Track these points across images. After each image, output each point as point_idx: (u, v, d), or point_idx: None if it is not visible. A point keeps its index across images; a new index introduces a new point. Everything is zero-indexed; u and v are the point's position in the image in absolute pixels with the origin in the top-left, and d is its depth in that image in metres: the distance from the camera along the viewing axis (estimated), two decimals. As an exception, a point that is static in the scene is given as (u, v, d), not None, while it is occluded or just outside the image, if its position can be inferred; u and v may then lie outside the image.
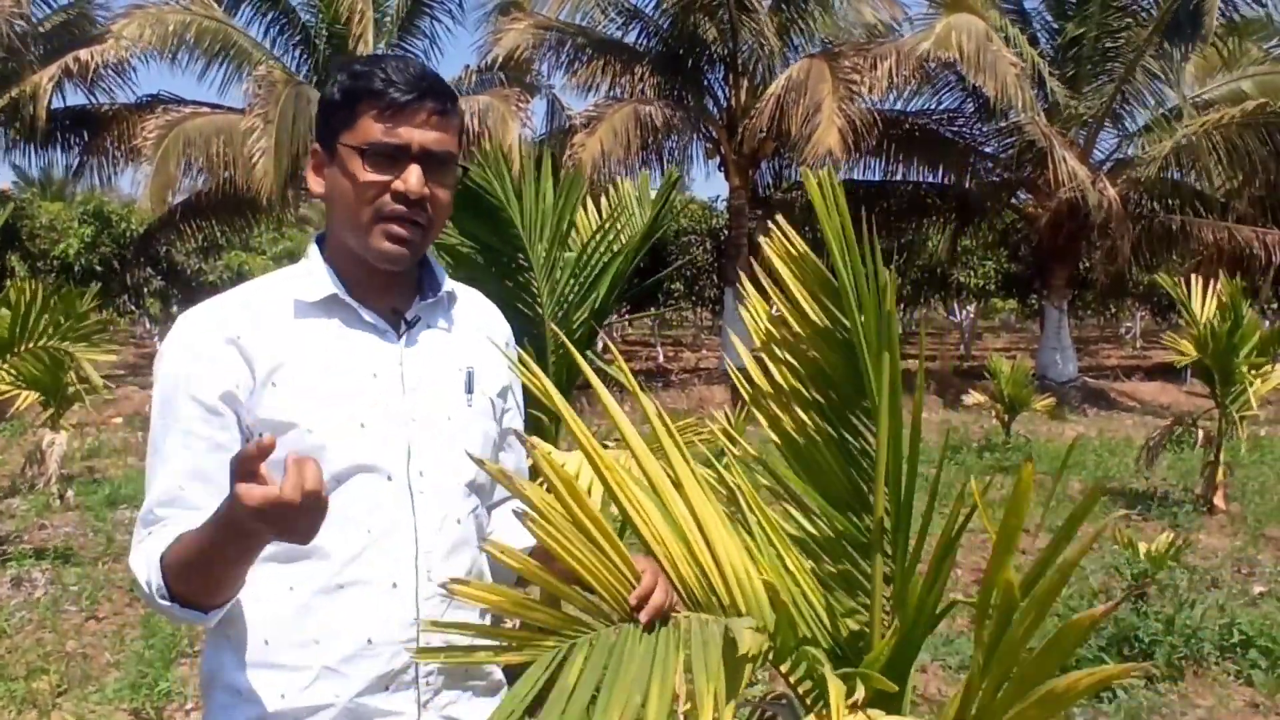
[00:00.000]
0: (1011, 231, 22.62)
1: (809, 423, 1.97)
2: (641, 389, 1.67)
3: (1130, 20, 16.51)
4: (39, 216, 24.26)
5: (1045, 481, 10.04)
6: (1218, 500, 8.50)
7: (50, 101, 15.87)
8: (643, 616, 1.45)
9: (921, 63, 15.72)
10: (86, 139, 17.85)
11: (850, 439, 2.03)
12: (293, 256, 27.95)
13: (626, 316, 30.28)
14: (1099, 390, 18.30)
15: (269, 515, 1.22)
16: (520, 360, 1.66)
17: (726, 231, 20.22)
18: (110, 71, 16.80)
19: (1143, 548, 5.30)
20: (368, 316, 1.56)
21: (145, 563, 1.43)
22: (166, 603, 1.41)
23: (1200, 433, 8.71)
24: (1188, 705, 4.63)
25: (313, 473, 1.22)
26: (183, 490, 1.47)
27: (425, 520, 1.54)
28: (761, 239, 2.06)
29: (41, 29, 17.49)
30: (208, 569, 1.38)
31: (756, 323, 1.99)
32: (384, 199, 1.50)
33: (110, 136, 17.19)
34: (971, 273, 26.50)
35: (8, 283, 11.75)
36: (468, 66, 17.93)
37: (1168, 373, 19.02)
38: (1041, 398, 12.23)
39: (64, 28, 17.81)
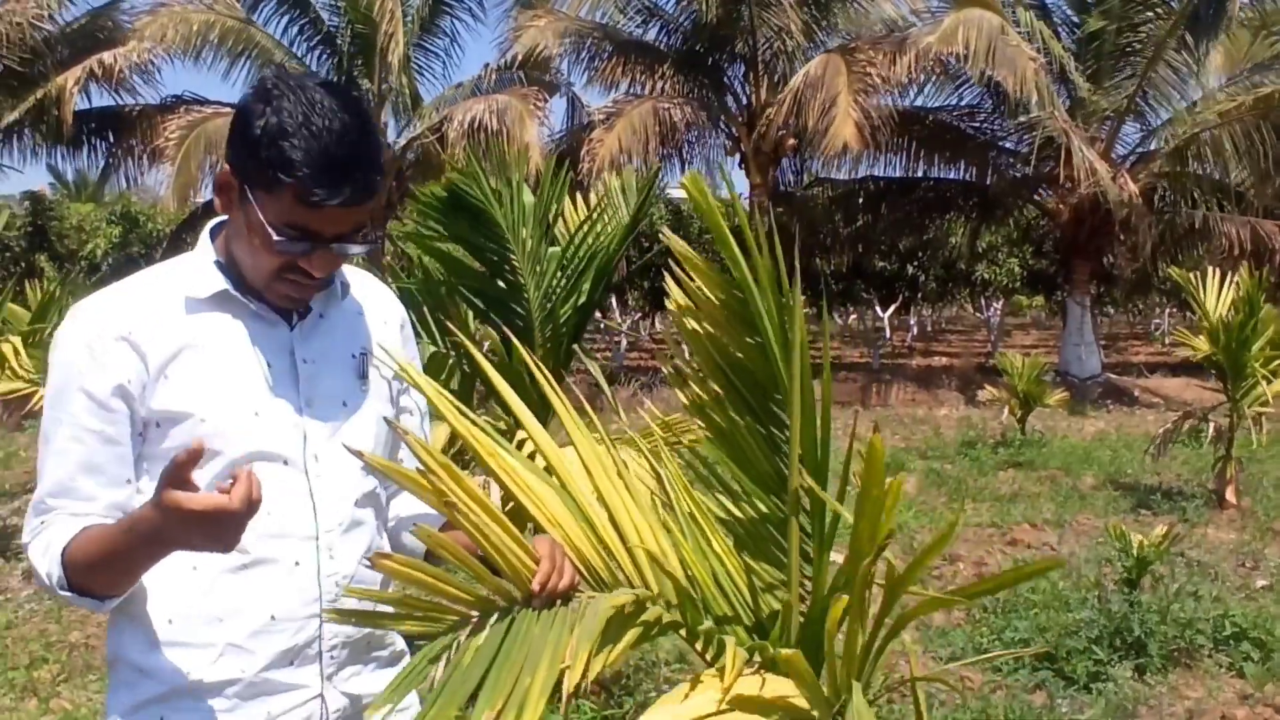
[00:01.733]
0: (1034, 227, 22.47)
1: (730, 409, 1.99)
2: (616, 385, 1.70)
3: (1151, 14, 16.36)
4: (68, 218, 24.58)
5: (1058, 477, 10.02)
6: (1229, 495, 8.42)
7: (75, 103, 16.05)
8: (535, 601, 1.49)
9: (941, 58, 15.65)
10: (112, 140, 18.04)
11: (774, 428, 2.04)
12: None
13: (653, 316, 30.28)
14: (1122, 386, 18.15)
15: (208, 521, 1.30)
16: (413, 341, 1.70)
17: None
18: (134, 73, 16.95)
19: (1137, 540, 5.26)
20: (258, 309, 1.59)
21: (44, 555, 1.48)
22: (66, 593, 1.47)
23: (1211, 427, 8.64)
24: (1176, 697, 4.61)
25: (259, 485, 1.32)
26: (74, 482, 1.51)
27: (324, 502, 1.59)
28: (664, 232, 2.05)
29: (65, 31, 17.67)
30: (116, 570, 1.45)
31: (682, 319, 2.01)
32: (288, 268, 1.52)
33: (135, 137, 17.37)
34: (996, 269, 26.34)
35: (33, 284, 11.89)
36: (487, 65, 17.98)
37: (1193, 369, 18.79)
38: (1058, 393, 12.15)
39: (88, 29, 17.97)
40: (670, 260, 1.88)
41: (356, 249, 1.54)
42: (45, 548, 1.48)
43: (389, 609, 1.51)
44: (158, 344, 1.53)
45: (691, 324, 1.89)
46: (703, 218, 1.74)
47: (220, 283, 1.57)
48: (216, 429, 1.51)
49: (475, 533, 1.49)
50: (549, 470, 1.68)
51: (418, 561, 1.48)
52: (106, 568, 1.44)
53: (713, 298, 1.84)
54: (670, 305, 1.98)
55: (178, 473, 1.30)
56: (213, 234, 1.63)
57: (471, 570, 1.50)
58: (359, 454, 1.47)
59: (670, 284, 1.99)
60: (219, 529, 1.32)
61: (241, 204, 1.50)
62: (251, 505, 1.31)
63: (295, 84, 1.48)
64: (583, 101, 19.09)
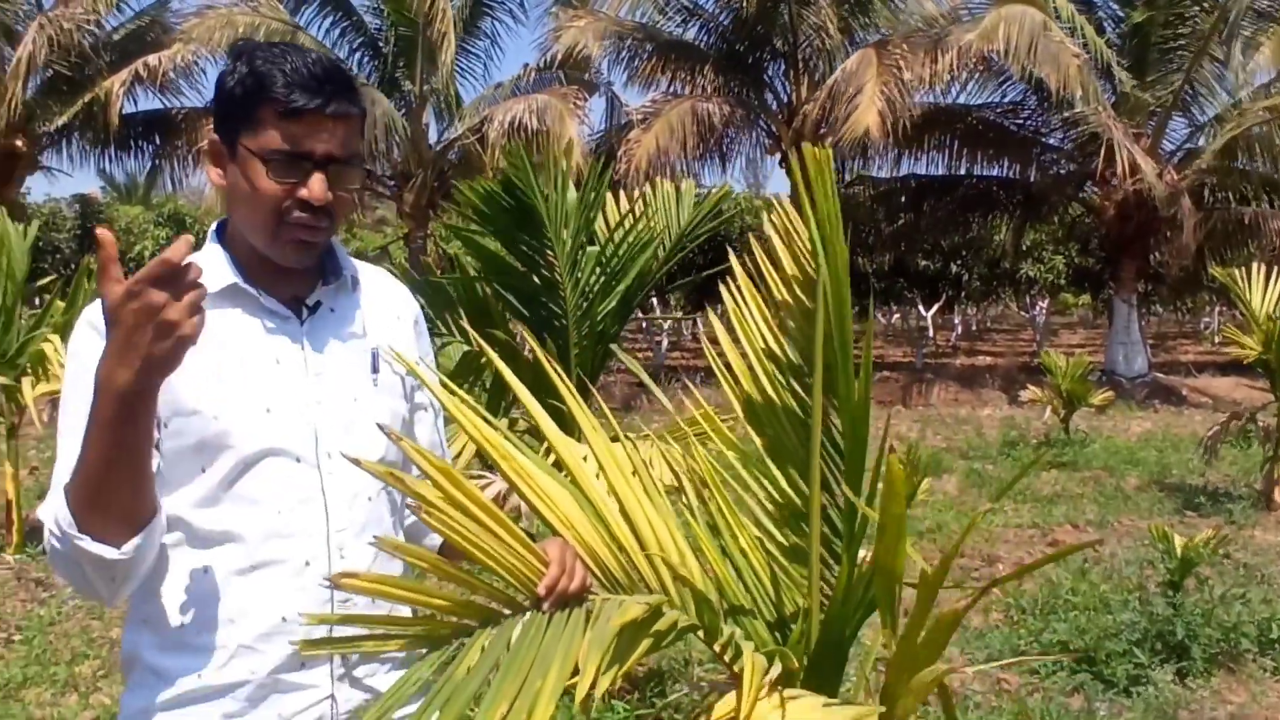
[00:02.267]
0: (1080, 225, 22.20)
1: (773, 394, 1.96)
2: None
3: (1197, 8, 16.10)
4: (117, 220, 24.99)
5: (1101, 477, 9.88)
6: (1277, 496, 8.27)
7: (122, 106, 16.28)
8: (545, 605, 1.47)
9: (984, 55, 15.50)
10: (159, 142, 18.32)
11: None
12: (361, 257, 28.47)
13: (695, 314, 30.27)
14: (1170, 386, 17.86)
15: (160, 282, 1.21)
16: (426, 338, 1.70)
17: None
18: (179, 75, 17.20)
19: (1180, 542, 5.17)
20: (268, 303, 1.59)
21: (52, 505, 1.40)
22: (74, 532, 1.36)
23: (1259, 427, 8.48)
24: (1219, 701, 4.53)
25: (176, 249, 1.23)
26: None
27: (335, 499, 1.57)
28: (766, 216, 2.05)
29: (115, 36, 17.96)
30: (104, 466, 1.33)
31: (736, 300, 1.99)
32: (288, 205, 1.51)
33: (181, 139, 17.64)
34: (1041, 267, 26.06)
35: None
36: (527, 65, 18.06)
37: (1243, 368, 18.45)
38: (1101, 393, 11.99)
39: (137, 34, 18.26)
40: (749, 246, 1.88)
41: (352, 174, 1.55)
42: (53, 500, 1.41)
43: (389, 628, 1.49)
44: None
45: (752, 313, 1.88)
46: (810, 192, 1.68)
47: (229, 275, 1.57)
48: (227, 426, 1.51)
49: (467, 539, 1.46)
50: (562, 469, 1.67)
51: (385, 577, 1.45)
52: (97, 469, 1.34)
53: (790, 278, 1.84)
54: (728, 297, 1.97)
55: (106, 269, 1.23)
56: (219, 230, 1.64)
57: (456, 580, 1.48)
58: (356, 461, 1.45)
59: (736, 265, 1.99)
60: (171, 304, 1.22)
61: (233, 161, 1.53)
62: (191, 267, 1.23)
63: (265, 44, 1.54)
64: (622, 101, 19.12)
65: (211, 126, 1.58)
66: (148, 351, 1.25)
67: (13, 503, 7.33)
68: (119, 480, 1.36)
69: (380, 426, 1.59)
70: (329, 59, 1.55)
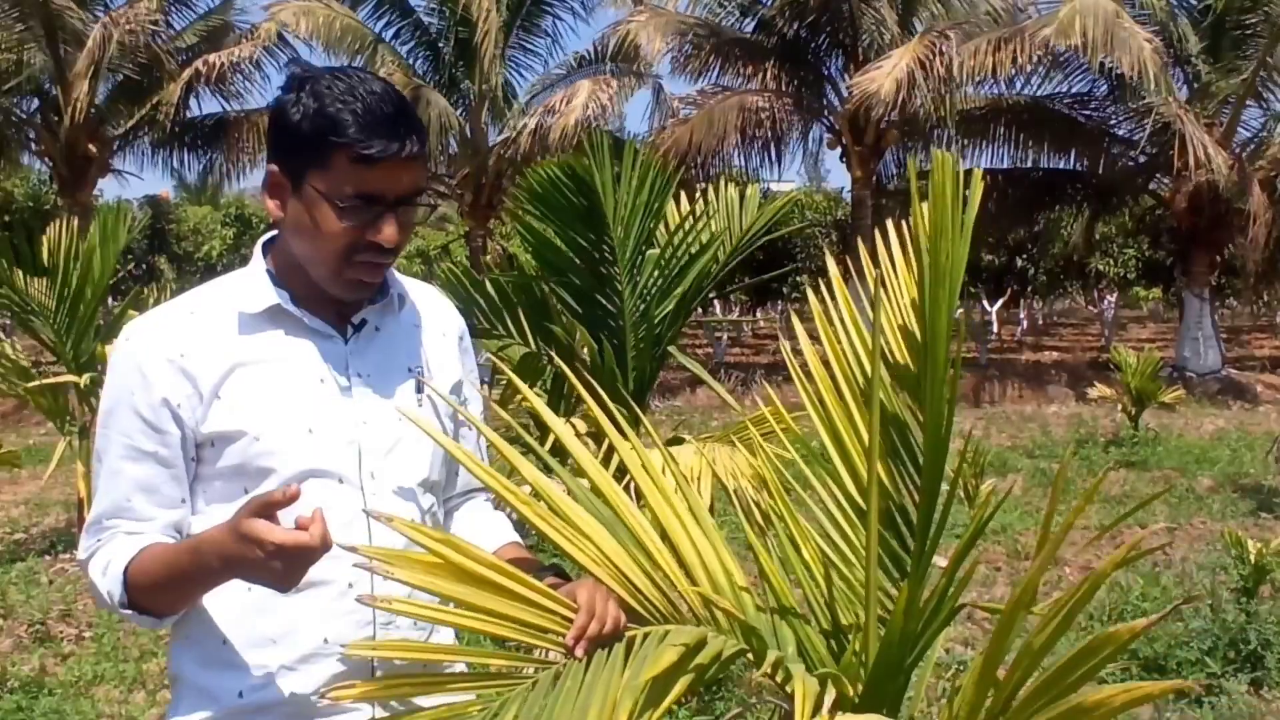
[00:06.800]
0: (1150, 217, 21.72)
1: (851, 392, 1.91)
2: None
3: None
4: (186, 220, 25.45)
5: (1172, 477, 9.66)
6: (1357, 498, 8.03)
7: (186, 108, 16.57)
8: (578, 651, 1.43)
9: (1048, 46, 15.17)
10: (222, 142, 18.61)
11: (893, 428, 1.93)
12: (423, 255, 28.64)
13: (754, 310, 30.14)
14: (1244, 382, 17.42)
15: (285, 555, 1.31)
16: (475, 352, 1.69)
17: (850, 222, 19.98)
18: (238, 75, 17.43)
19: (1254, 548, 5.03)
20: (312, 323, 1.57)
21: (104, 574, 1.49)
22: (126, 611, 1.48)
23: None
24: (1295, 713, 4.40)
25: (320, 536, 1.34)
26: (130, 502, 1.52)
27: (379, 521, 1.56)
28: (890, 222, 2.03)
29: (184, 41, 18.28)
30: (177, 591, 1.47)
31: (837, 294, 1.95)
32: (356, 245, 1.48)
33: (241, 139, 17.93)
34: (1111, 261, 25.52)
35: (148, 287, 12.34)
36: (576, 53, 18.20)
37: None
38: (1172, 390, 11.72)
39: (207, 38, 18.55)
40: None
41: (421, 210, 1.54)
42: (105, 566, 1.49)
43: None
44: (209, 365, 1.52)
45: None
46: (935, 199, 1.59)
47: (272, 297, 1.55)
48: (270, 447, 1.51)
49: (478, 613, 1.42)
50: (597, 492, 1.63)
51: (397, 678, 1.46)
52: (168, 588, 1.45)
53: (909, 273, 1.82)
54: (812, 295, 1.95)
55: (265, 510, 1.32)
56: (265, 249, 1.62)
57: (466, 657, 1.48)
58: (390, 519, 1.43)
59: (832, 264, 1.97)
60: (292, 565, 1.33)
61: (296, 196, 1.49)
62: (326, 545, 1.32)
63: (324, 70, 1.50)
64: (668, 94, 19.11)
65: (268, 156, 1.53)
66: (254, 575, 1.38)
67: (84, 501, 7.48)
68: (193, 596, 1.49)
69: (367, 512, 1.55)
70: (393, 89, 1.50)
